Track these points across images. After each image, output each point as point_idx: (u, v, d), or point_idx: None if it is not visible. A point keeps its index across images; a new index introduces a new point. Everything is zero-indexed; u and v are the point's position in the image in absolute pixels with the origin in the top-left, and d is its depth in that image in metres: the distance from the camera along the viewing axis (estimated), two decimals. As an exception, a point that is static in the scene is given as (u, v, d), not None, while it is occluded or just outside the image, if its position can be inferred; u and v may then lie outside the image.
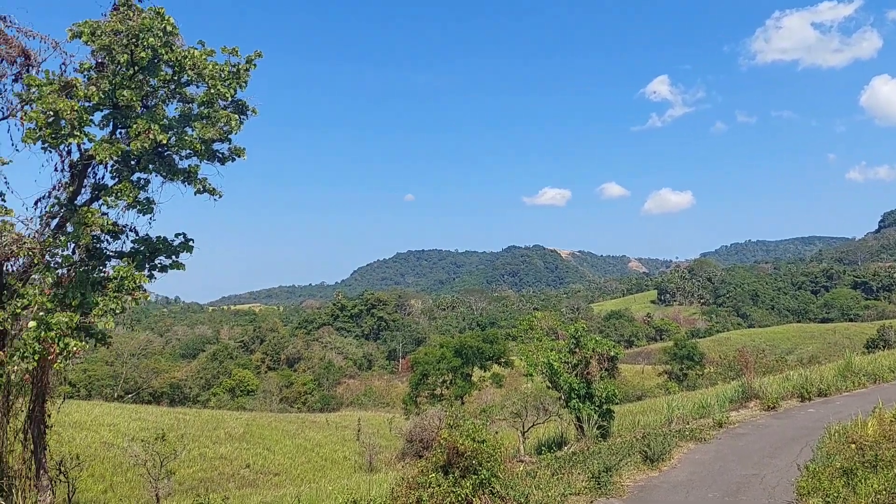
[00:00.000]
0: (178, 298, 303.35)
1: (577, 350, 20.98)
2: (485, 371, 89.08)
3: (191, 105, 13.71)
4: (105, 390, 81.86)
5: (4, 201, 13.68)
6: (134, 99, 12.05)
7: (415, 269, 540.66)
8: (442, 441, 13.11)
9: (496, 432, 15.35)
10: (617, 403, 22.43)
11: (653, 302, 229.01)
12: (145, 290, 12.37)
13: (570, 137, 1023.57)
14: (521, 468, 15.25)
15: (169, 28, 12.15)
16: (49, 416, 13.36)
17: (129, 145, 12.02)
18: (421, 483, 12.80)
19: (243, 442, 48.70)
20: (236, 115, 13.32)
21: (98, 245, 13.02)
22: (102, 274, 12.75)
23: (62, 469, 14.80)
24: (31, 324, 11.23)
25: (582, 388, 20.17)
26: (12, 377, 11.30)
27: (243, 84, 13.68)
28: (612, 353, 21.37)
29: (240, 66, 13.56)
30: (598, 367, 20.48)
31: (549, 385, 21.07)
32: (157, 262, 13.60)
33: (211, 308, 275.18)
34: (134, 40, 11.87)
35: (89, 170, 12.92)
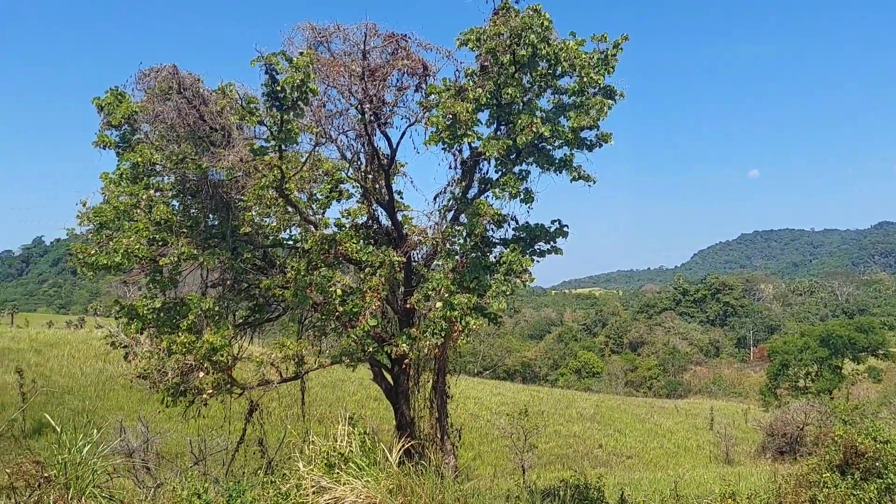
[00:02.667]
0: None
1: None
2: (858, 364, 78.54)
3: (562, 96, 14.21)
4: (467, 366, 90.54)
5: (402, 198, 15.74)
6: (517, 96, 12.85)
7: (762, 251, 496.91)
8: (836, 438, 11.85)
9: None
10: None
11: None
12: (530, 274, 13.18)
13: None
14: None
15: (545, 23, 12.71)
16: (448, 387, 15.04)
17: (513, 140, 12.87)
18: (813, 482, 11.72)
19: (594, 422, 49.72)
20: (608, 101, 13.45)
21: (485, 233, 14.23)
22: (490, 259, 13.93)
23: (460, 436, 16.57)
24: (438, 304, 12.69)
25: None
26: (425, 351, 12.90)
27: (611, 69, 13.76)
28: None
29: (608, 52, 13.65)
30: None
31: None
32: (535, 247, 14.41)
33: (553, 291, 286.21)
34: (516, 40, 12.65)
35: (477, 166, 14.16)
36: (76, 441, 8.11)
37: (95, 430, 9.18)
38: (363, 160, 14.72)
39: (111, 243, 11.75)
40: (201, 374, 11.55)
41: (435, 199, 14.51)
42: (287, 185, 12.49)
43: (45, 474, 6.59)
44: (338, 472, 9.19)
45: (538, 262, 14.29)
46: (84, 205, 12.25)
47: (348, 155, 14.37)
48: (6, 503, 7.03)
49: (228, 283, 13.16)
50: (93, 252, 11.95)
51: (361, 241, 14.44)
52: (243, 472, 13.49)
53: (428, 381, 15.02)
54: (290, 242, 14.30)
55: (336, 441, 9.68)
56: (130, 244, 11.47)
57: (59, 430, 8.45)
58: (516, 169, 13.87)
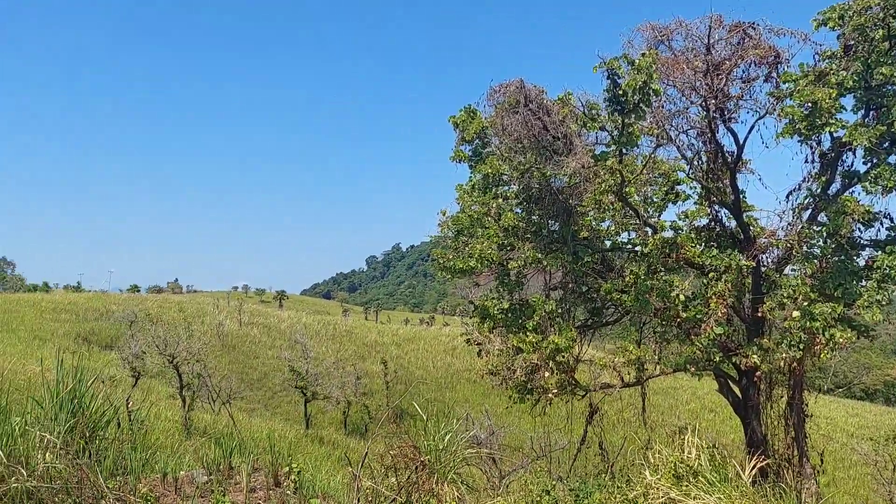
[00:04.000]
0: None
1: None
2: None
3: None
4: (815, 381, 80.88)
5: (745, 198, 14.57)
6: (892, 75, 11.13)
7: None
8: None
9: None
10: None
11: None
12: (915, 281, 11.28)
13: None
14: None
15: (931, -14, 10.82)
16: (806, 405, 13.55)
17: (887, 126, 11.17)
18: None
19: None
20: None
21: (851, 234, 12.55)
22: (858, 263, 12.25)
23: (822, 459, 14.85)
24: (795, 313, 11.52)
25: None
26: (780, 364, 11.80)
27: None
28: None
29: None
30: None
31: None
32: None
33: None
34: (891, 12, 10.98)
35: (840, 158, 12.59)
36: (439, 429, 8.94)
37: (455, 420, 10.10)
38: (704, 159, 14.02)
39: (467, 248, 12.88)
40: (546, 374, 12.04)
41: (787, 196, 13.24)
42: (627, 189, 12.44)
43: (422, 458, 7.39)
44: (686, 486, 8.84)
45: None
46: (444, 214, 13.62)
47: (688, 154, 13.81)
48: (384, 480, 8.02)
49: (570, 286, 13.54)
50: (450, 257, 13.22)
51: (703, 244, 13.76)
52: (584, 473, 13.74)
53: (781, 397, 13.71)
54: (629, 246, 14.21)
55: (682, 452, 9.34)
56: (483, 249, 12.45)
57: (425, 417, 9.43)
58: (891, 159, 12.01)
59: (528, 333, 12.11)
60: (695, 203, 14.82)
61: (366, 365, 54.83)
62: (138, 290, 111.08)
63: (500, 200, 13.47)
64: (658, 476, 9.09)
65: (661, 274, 12.79)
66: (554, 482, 10.21)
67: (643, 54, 10.73)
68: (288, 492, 6.90)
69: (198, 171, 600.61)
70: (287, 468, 7.11)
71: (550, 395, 12.28)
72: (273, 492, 7.01)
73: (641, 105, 10.73)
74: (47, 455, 5.93)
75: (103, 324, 53.37)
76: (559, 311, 12.50)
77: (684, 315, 12.19)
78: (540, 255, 12.24)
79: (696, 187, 14.45)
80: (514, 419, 36.45)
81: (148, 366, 28.18)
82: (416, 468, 7.43)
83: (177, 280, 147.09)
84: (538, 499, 9.47)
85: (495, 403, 43.61)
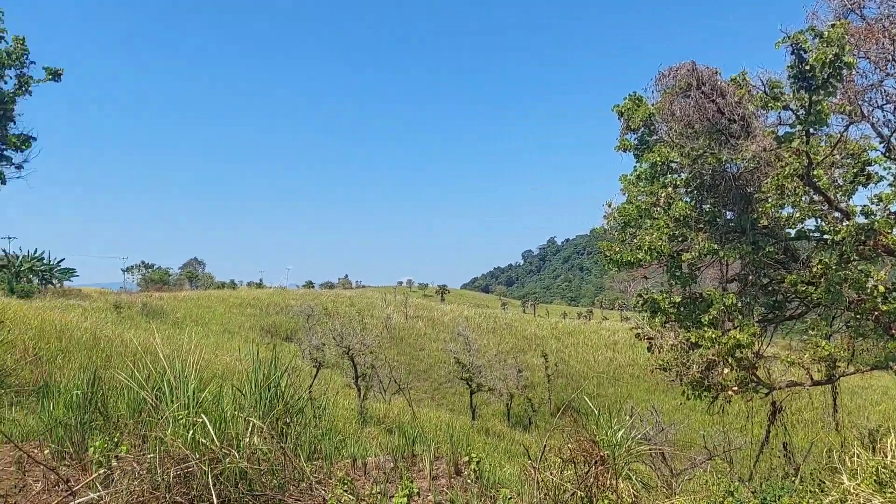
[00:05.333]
0: None
1: None
2: None
3: None
4: None
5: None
6: None
7: None
8: None
9: None
10: None
11: None
12: None
13: None
14: None
15: None
16: None
17: None
18: None
19: None
20: None
21: None
22: None
23: None
24: None
25: None
26: None
27: None
28: None
29: None
30: None
31: None
32: None
33: None
34: None
35: None
36: (611, 424, 8.81)
37: (626, 416, 9.88)
38: (903, 136, 12.67)
39: (635, 240, 12.53)
40: (725, 371, 11.44)
41: None
42: (815, 172, 11.52)
43: (601, 453, 7.30)
44: (891, 493, 8.09)
45: None
46: (609, 206, 13.33)
47: (884, 132, 12.54)
48: (560, 473, 8.00)
49: (750, 278, 12.76)
50: (617, 249, 12.92)
51: (904, 230, 12.45)
52: (767, 475, 12.94)
53: None
54: (816, 234, 13.15)
55: (886, 456, 8.55)
56: (653, 240, 12.05)
57: (596, 412, 9.31)
58: None
59: (704, 328, 11.56)
60: (889, 185, 13.43)
61: (526, 358, 55.00)
62: (312, 286, 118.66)
63: (670, 189, 12.96)
64: (858, 482, 8.41)
65: (855, 263, 11.73)
66: (737, 483, 9.70)
67: (833, 25, 9.85)
68: (469, 481, 7.09)
69: (363, 175, 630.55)
70: (467, 458, 7.30)
71: (730, 392, 11.65)
72: (454, 480, 7.23)
73: (831, 80, 9.86)
74: (254, 438, 6.49)
75: (283, 317, 57.49)
76: (739, 304, 11.81)
77: (884, 308, 11.10)
78: (716, 246, 11.64)
79: (890, 168, 13.10)
80: (681, 417, 35.07)
81: (327, 357, 30.00)
82: (595, 463, 7.35)
83: (346, 276, 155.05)
84: (721, 500, 9.05)
85: (661, 400, 42.12)
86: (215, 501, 5.38)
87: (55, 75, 15.24)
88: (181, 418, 5.81)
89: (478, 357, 40.06)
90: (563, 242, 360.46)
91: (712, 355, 11.51)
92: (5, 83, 14.68)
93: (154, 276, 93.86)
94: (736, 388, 11.52)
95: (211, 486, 5.41)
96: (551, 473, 7.32)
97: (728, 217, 12.99)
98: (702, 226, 12.51)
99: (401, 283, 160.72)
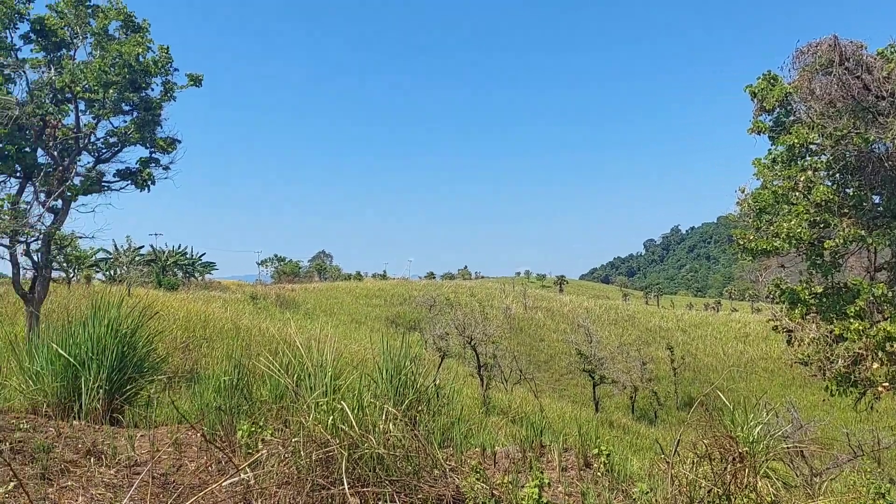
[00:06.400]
0: None
1: None
2: None
3: None
4: None
5: None
6: None
7: None
8: None
9: None
10: None
11: None
12: None
13: None
14: None
15: None
16: None
17: None
18: None
19: None
20: None
21: None
22: None
23: None
24: None
25: None
26: None
27: None
28: None
29: None
30: None
31: None
32: None
33: None
34: None
35: None
36: (747, 420, 8.47)
37: (763, 412, 9.44)
38: None
39: (771, 227, 11.90)
40: (874, 365, 10.67)
41: None
42: (978, 150, 10.50)
43: (740, 450, 7.02)
44: None
45: None
46: (742, 191, 12.73)
47: None
48: (693, 470, 7.75)
49: (902, 266, 11.83)
50: (752, 237, 12.32)
51: None
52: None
53: None
54: None
55: None
56: (791, 227, 11.41)
57: (731, 407, 8.96)
58: None
59: (850, 320, 10.82)
60: None
61: (650, 350, 53.51)
62: (434, 277, 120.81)
63: (810, 173, 12.21)
64: None
65: None
66: (888, 485, 9.05)
67: None
68: (598, 473, 7.03)
69: (479, 167, 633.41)
70: (596, 450, 7.23)
71: (880, 388, 10.85)
72: (584, 472, 7.19)
73: None
74: (389, 425, 6.73)
75: (406, 307, 58.96)
76: (890, 294, 10.96)
77: None
78: (863, 233, 10.86)
79: None
80: (820, 413, 32.93)
81: (450, 346, 30.50)
82: (733, 460, 7.08)
83: (466, 267, 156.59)
84: (871, 502, 8.49)
85: (798, 396, 39.80)
86: (346, 485, 5.62)
87: (196, 81, 16.35)
88: (322, 404, 6.11)
89: (599, 349, 39.39)
90: (687, 231, 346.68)
91: (860, 349, 10.76)
92: (152, 90, 15.92)
93: (286, 269, 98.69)
94: (887, 385, 10.71)
95: (343, 470, 5.67)
96: (685, 469, 7.12)
97: (876, 201, 12.08)
98: (846, 211, 11.71)
99: (518, 273, 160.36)
